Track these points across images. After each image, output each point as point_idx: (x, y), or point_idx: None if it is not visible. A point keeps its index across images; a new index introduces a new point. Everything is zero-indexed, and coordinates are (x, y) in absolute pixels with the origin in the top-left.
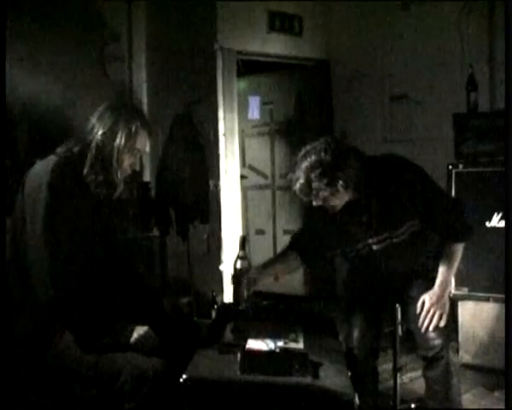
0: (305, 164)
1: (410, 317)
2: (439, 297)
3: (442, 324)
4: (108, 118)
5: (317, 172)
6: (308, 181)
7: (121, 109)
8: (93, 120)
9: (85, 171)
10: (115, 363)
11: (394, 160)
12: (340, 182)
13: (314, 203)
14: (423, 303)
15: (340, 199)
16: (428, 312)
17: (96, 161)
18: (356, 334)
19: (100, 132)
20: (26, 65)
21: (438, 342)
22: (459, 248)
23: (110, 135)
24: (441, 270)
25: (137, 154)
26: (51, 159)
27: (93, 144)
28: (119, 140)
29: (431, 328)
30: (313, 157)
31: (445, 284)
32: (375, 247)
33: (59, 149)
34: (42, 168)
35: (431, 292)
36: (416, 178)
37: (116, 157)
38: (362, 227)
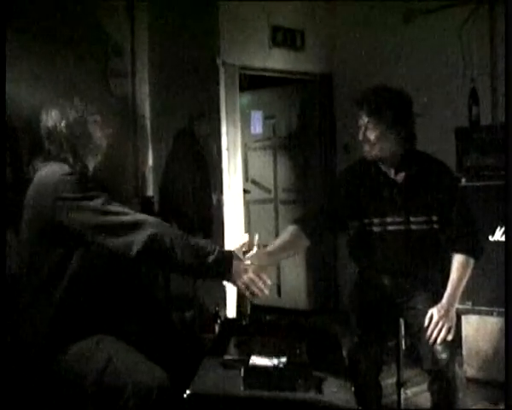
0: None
1: (417, 330)
2: (447, 311)
3: (450, 337)
4: (54, 110)
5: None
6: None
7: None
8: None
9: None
10: (119, 378)
11: (437, 160)
12: (400, 124)
13: (360, 136)
14: (432, 316)
15: (384, 146)
16: (437, 325)
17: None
18: (359, 348)
19: (60, 124)
20: (28, 79)
21: (444, 355)
22: (470, 264)
23: (66, 122)
24: (450, 283)
25: (98, 123)
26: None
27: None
28: (74, 119)
29: (439, 341)
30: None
31: (453, 297)
32: (391, 227)
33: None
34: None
35: (439, 305)
36: (450, 184)
37: (82, 138)
38: (387, 199)
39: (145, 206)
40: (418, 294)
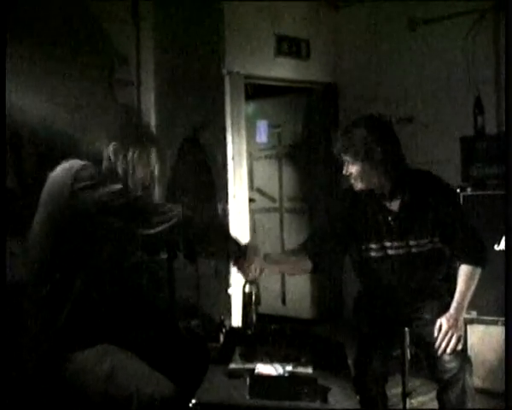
0: (352, 133)
1: (426, 339)
2: (456, 320)
3: (459, 347)
4: (118, 132)
5: (360, 141)
6: (348, 147)
7: (130, 124)
8: (103, 137)
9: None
10: (124, 389)
11: (431, 175)
12: (376, 157)
13: (344, 171)
14: (441, 326)
15: (368, 179)
16: (446, 334)
17: (108, 173)
18: (365, 358)
19: (111, 147)
20: (34, 88)
21: (454, 364)
22: (477, 273)
23: (121, 148)
24: (458, 293)
25: (148, 168)
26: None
27: (105, 157)
28: (129, 153)
29: (449, 351)
30: (362, 129)
31: (461, 306)
32: (390, 251)
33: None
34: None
35: (447, 315)
36: (447, 200)
37: (125, 171)
38: (383, 226)
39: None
40: (425, 303)
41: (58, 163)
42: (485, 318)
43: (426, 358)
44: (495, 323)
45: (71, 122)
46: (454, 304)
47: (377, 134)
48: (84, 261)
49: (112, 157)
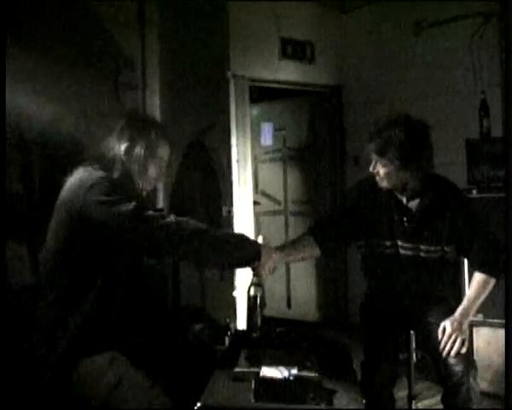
0: (388, 134)
1: (431, 343)
2: (460, 324)
3: (464, 350)
4: (126, 132)
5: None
6: (383, 148)
7: (137, 122)
8: (112, 139)
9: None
10: (126, 403)
11: (449, 183)
12: (411, 160)
13: (371, 169)
14: (444, 329)
15: (396, 180)
16: (450, 338)
17: (122, 176)
18: (372, 361)
19: (122, 148)
20: (40, 93)
21: (459, 368)
22: (490, 283)
23: (131, 147)
24: (467, 298)
25: (160, 163)
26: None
27: (117, 160)
28: (140, 150)
29: (453, 354)
30: (400, 132)
31: (467, 312)
32: (402, 251)
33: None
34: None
35: (452, 318)
36: (467, 208)
37: (139, 169)
38: (398, 224)
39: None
40: (431, 307)
41: (66, 167)
42: (492, 321)
43: (432, 361)
44: (501, 326)
45: (78, 126)
46: (460, 308)
47: (415, 138)
48: (95, 269)
49: (123, 158)
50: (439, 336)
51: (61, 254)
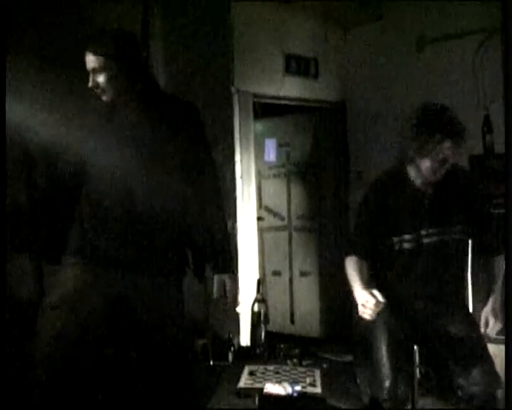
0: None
1: (457, 357)
2: (497, 311)
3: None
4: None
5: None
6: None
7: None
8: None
9: None
10: None
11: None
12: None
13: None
14: (487, 321)
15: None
16: (493, 329)
17: None
18: (387, 384)
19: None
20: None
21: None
22: (502, 261)
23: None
24: (496, 287)
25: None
26: None
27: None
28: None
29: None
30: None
31: (499, 298)
32: (425, 240)
33: None
34: None
35: (489, 308)
36: (477, 190)
37: None
38: (419, 211)
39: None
40: (449, 317)
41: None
42: (498, 337)
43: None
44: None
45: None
46: (493, 297)
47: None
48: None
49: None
50: (482, 329)
51: None
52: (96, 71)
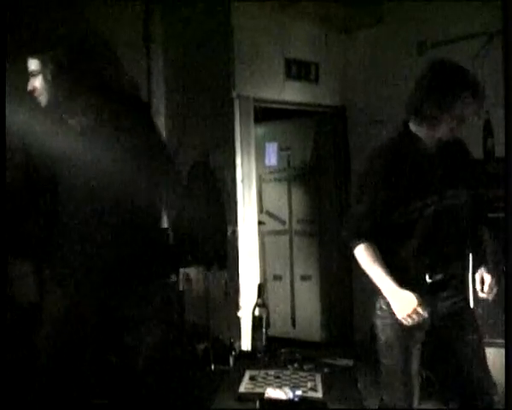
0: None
1: (469, 360)
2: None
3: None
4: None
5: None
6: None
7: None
8: None
9: None
10: None
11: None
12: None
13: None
14: (482, 280)
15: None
16: (491, 289)
17: None
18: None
19: None
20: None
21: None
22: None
23: None
24: (491, 250)
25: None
26: None
27: None
28: None
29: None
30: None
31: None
32: (444, 203)
33: None
34: None
35: (487, 268)
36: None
37: None
38: (427, 175)
39: (160, 238)
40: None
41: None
42: (497, 341)
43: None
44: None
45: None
46: (490, 259)
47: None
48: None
49: None
50: (478, 287)
51: None
52: (33, 74)
